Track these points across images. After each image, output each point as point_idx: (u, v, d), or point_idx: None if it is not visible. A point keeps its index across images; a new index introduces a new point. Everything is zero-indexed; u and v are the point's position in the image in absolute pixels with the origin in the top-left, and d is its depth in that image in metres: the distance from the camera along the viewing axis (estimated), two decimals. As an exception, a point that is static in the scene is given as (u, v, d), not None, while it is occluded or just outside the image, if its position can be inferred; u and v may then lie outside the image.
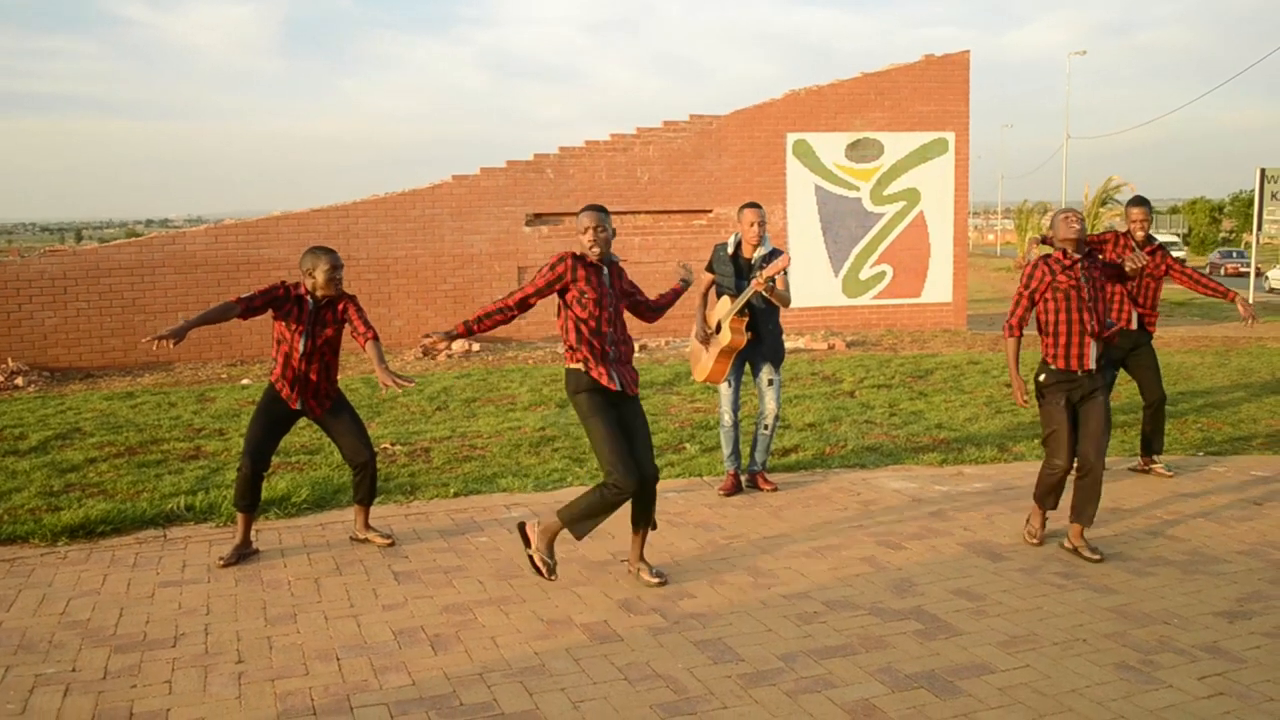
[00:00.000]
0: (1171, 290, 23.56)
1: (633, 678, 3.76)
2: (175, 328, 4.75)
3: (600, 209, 4.65)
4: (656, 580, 4.70)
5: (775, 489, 6.29)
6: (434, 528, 5.64)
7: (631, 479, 4.42)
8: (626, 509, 4.73)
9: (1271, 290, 30.65)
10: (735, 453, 6.29)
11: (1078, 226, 5.00)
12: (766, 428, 6.27)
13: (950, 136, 15.54)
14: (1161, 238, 42.48)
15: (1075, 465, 5.09)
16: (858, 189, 15.34)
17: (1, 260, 13.22)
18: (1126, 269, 5.09)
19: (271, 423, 5.15)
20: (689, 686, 3.68)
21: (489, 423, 8.48)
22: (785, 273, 5.80)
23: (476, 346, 13.35)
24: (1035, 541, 5.22)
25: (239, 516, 5.15)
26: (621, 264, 4.84)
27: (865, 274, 15.49)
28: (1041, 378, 5.12)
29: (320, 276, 5.05)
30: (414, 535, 5.51)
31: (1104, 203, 35.26)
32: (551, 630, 4.21)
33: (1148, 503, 6.02)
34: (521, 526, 4.78)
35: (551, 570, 4.66)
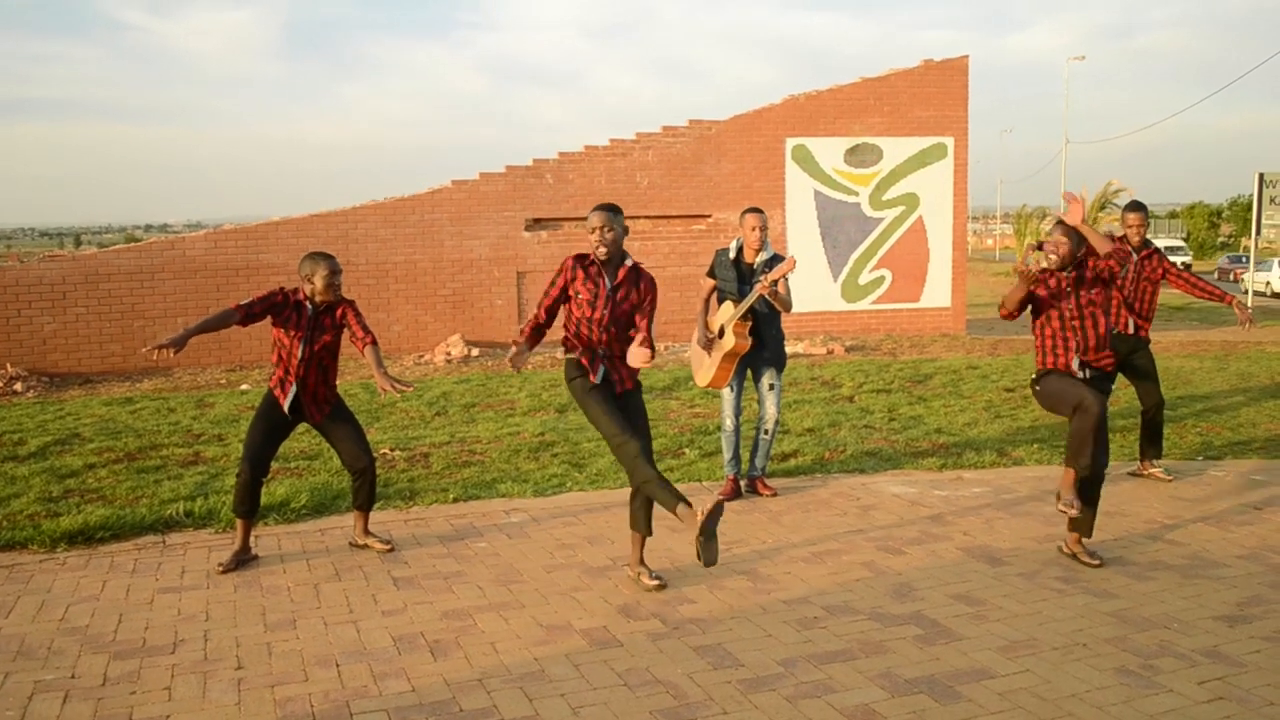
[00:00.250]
0: (1170, 295, 23.58)
1: (632, 683, 3.76)
2: (175, 336, 4.73)
3: (609, 208, 4.63)
4: (655, 584, 4.70)
5: (775, 494, 6.29)
6: (433, 533, 5.64)
7: (634, 440, 4.48)
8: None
9: (1244, 293, 30.66)
10: (735, 458, 6.29)
11: (1053, 257, 4.99)
12: (767, 433, 6.27)
13: (949, 141, 15.55)
14: (1166, 242, 42.54)
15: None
16: (857, 194, 15.35)
17: (1, 265, 13.22)
18: (1030, 267, 4.96)
19: (271, 428, 5.14)
20: (689, 692, 3.68)
21: (488, 428, 8.48)
22: (786, 277, 5.81)
23: (475, 352, 13.36)
24: (1073, 511, 4.89)
25: (238, 522, 5.14)
26: (641, 269, 4.72)
27: (864, 279, 15.50)
28: (1034, 378, 5.19)
29: (319, 282, 5.05)
30: (413, 541, 5.50)
31: (1102, 207, 35.30)
32: (551, 636, 4.21)
33: (1147, 507, 6.02)
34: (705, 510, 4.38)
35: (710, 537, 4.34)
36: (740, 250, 6.09)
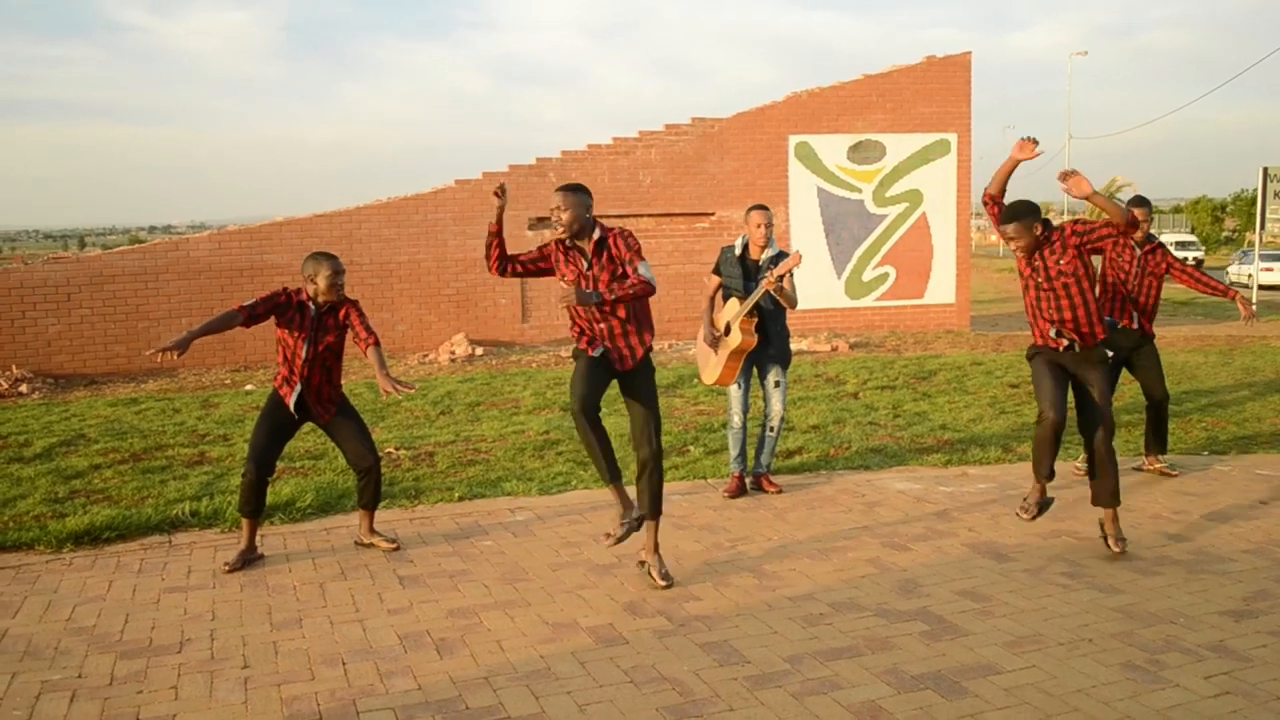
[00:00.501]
0: (1174, 290, 23.54)
1: (639, 680, 3.76)
2: (178, 338, 4.72)
3: (567, 187, 4.63)
4: (663, 583, 4.69)
5: (780, 491, 6.29)
6: (439, 532, 5.64)
7: (572, 410, 4.61)
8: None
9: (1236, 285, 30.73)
10: (741, 455, 6.29)
11: (1016, 246, 4.98)
12: (772, 430, 6.27)
13: (952, 138, 15.53)
14: (1177, 238, 42.43)
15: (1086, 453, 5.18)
16: (860, 191, 15.34)
17: (5, 267, 13.25)
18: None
19: (275, 428, 5.15)
20: (695, 689, 3.68)
21: (493, 427, 8.48)
22: (791, 273, 5.80)
23: (480, 351, 13.36)
24: (1027, 516, 5.19)
25: (244, 522, 5.15)
26: (609, 232, 4.68)
27: (868, 276, 15.49)
28: (1027, 352, 5.29)
29: (322, 282, 5.06)
30: (419, 539, 5.51)
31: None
32: (557, 634, 4.21)
33: (1152, 502, 6.01)
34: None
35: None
36: (745, 247, 6.08)
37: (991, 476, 6.61)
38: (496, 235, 4.78)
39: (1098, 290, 6.43)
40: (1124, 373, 6.77)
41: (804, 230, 15.15)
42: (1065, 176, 4.84)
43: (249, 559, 5.13)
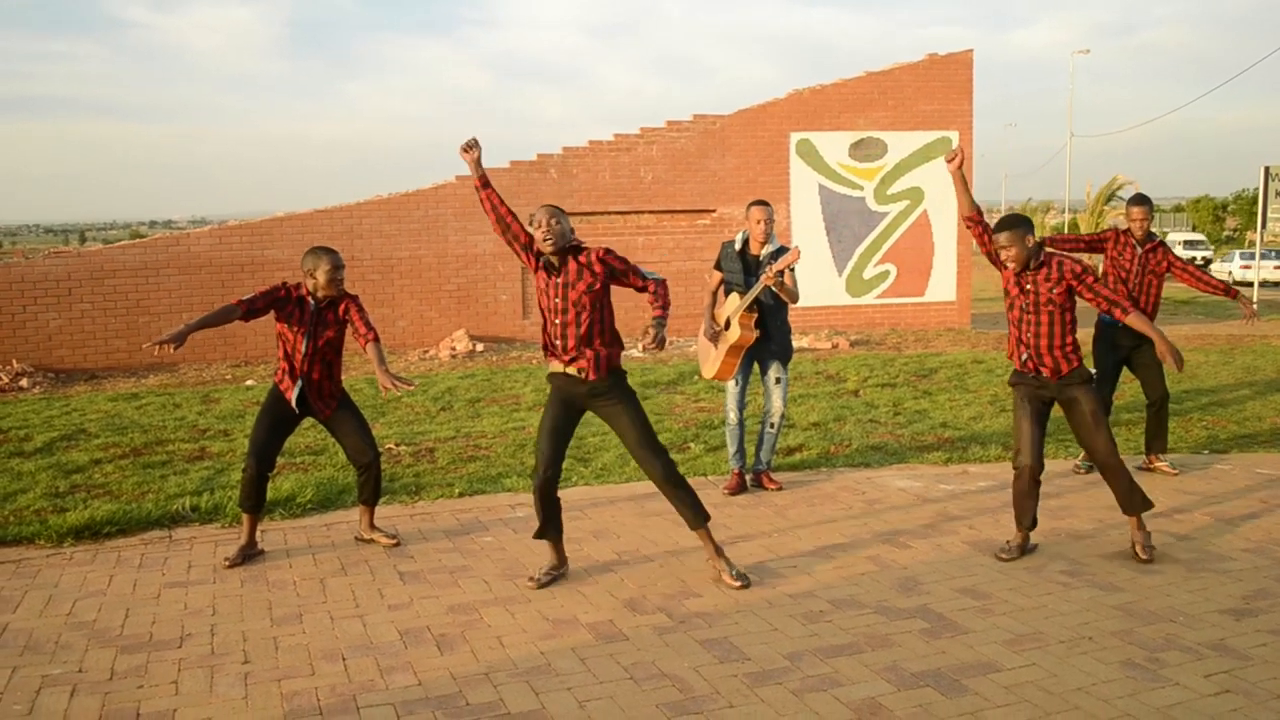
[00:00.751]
0: (1175, 288, 23.52)
1: (639, 677, 3.76)
2: (176, 331, 4.70)
3: (555, 209, 4.59)
4: (738, 584, 4.63)
5: (780, 488, 6.29)
6: (439, 528, 5.65)
7: (534, 482, 4.68)
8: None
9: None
10: (740, 451, 6.28)
11: (1007, 256, 4.90)
12: (772, 426, 6.27)
13: (954, 135, 15.52)
14: (1186, 237, 42.39)
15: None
16: (861, 188, 15.34)
17: (6, 262, 13.25)
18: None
19: (276, 423, 5.15)
20: (695, 686, 3.68)
21: (493, 423, 8.48)
22: (793, 269, 5.80)
23: (480, 347, 13.36)
24: (1006, 558, 4.95)
25: (244, 517, 5.15)
26: (604, 251, 4.61)
27: (869, 273, 15.48)
28: (1011, 375, 5.22)
29: (321, 277, 5.05)
30: (419, 535, 5.51)
31: (1108, 200, 35.25)
32: (557, 630, 4.21)
33: (1153, 500, 6.00)
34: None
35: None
36: (746, 242, 6.08)
37: (992, 474, 6.61)
38: (483, 188, 4.70)
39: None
40: (1124, 372, 6.76)
41: (805, 227, 15.14)
42: (950, 158, 5.20)
43: (249, 554, 5.13)
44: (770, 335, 6.07)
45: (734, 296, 6.03)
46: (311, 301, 5.09)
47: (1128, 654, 3.90)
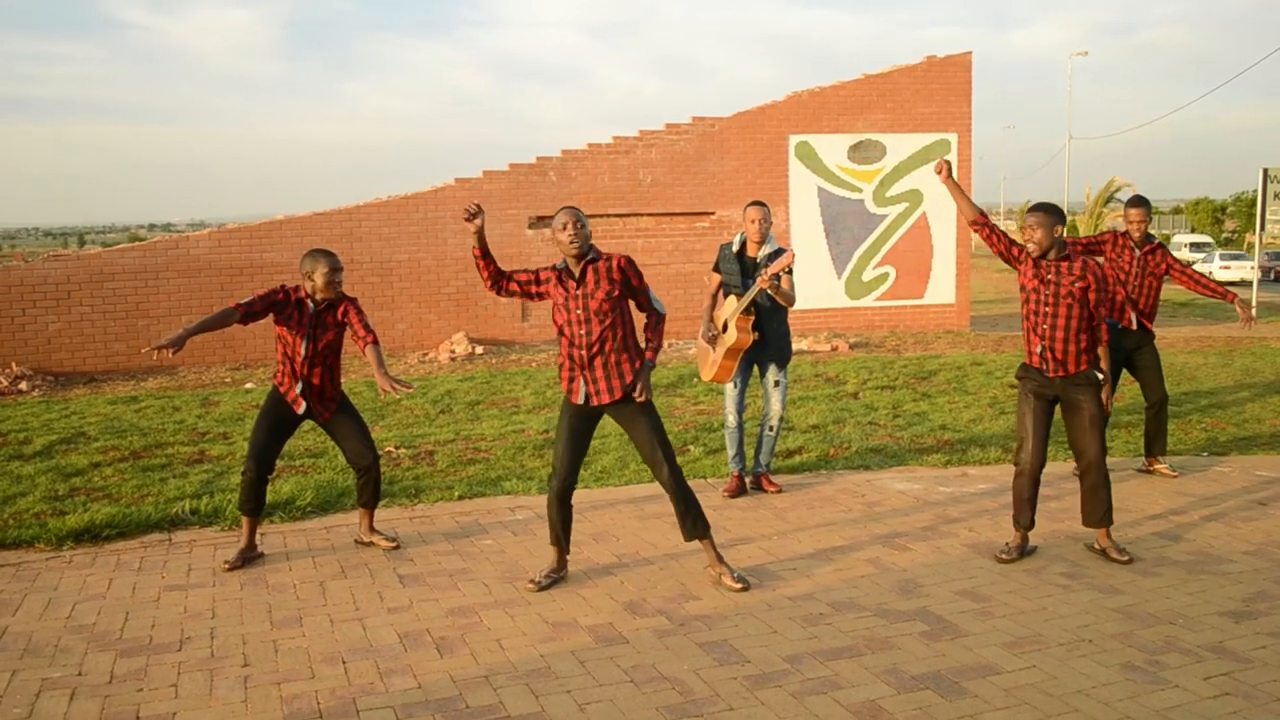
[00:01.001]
0: (1174, 291, 23.52)
1: (639, 680, 3.76)
2: (174, 336, 4.68)
3: (577, 211, 4.58)
4: (739, 586, 4.64)
5: (780, 491, 6.29)
6: (439, 531, 5.64)
7: (550, 487, 4.74)
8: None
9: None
10: (739, 454, 6.28)
11: (1030, 237, 4.96)
12: (771, 429, 6.27)
13: (953, 138, 15.53)
14: (1192, 239, 42.42)
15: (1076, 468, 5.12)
16: (860, 191, 15.34)
17: (5, 265, 13.25)
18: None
19: (275, 426, 5.15)
20: (695, 688, 3.68)
21: (493, 426, 8.48)
22: (790, 271, 5.80)
23: (479, 350, 13.36)
24: (1006, 558, 4.96)
25: (244, 520, 5.15)
26: (623, 261, 4.61)
27: (868, 275, 15.49)
28: (1018, 371, 5.22)
29: (319, 279, 5.05)
30: (419, 538, 5.51)
31: (1107, 202, 35.29)
32: (557, 633, 4.21)
33: (1152, 503, 6.01)
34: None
35: None
36: (744, 244, 6.09)
37: (991, 477, 6.61)
38: (481, 258, 4.64)
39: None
40: (1124, 373, 6.77)
41: (804, 230, 15.15)
42: (939, 168, 5.25)
43: (249, 557, 5.13)
44: (768, 338, 6.06)
45: (732, 299, 6.03)
46: (310, 304, 5.09)
47: (1127, 656, 3.90)
